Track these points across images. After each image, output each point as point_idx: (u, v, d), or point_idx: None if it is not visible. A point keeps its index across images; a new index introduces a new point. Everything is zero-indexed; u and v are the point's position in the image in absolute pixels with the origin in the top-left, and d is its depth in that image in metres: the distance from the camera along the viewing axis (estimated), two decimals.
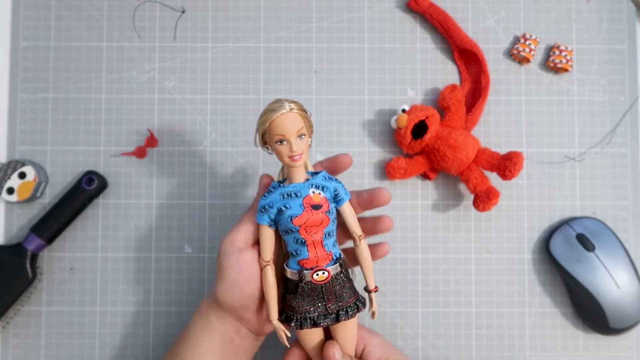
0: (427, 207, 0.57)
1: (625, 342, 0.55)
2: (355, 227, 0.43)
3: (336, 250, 0.43)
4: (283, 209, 0.41)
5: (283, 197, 0.41)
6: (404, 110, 0.54)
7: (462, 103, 0.55)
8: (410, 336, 0.56)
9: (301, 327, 0.42)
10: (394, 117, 0.54)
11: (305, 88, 0.57)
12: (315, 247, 0.41)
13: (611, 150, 0.57)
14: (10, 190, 0.54)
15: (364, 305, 0.44)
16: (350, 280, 0.44)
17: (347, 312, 0.43)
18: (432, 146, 0.53)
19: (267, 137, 0.41)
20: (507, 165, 0.51)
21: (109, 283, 0.56)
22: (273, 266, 0.43)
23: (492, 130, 0.57)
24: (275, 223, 0.42)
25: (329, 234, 0.42)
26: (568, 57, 0.56)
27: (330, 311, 0.42)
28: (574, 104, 0.57)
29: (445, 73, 0.58)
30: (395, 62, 0.58)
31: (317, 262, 0.42)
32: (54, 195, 0.56)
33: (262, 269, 0.43)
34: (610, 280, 0.52)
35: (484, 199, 0.52)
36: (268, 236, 0.42)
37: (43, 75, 0.57)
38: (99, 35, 0.58)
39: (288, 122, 0.40)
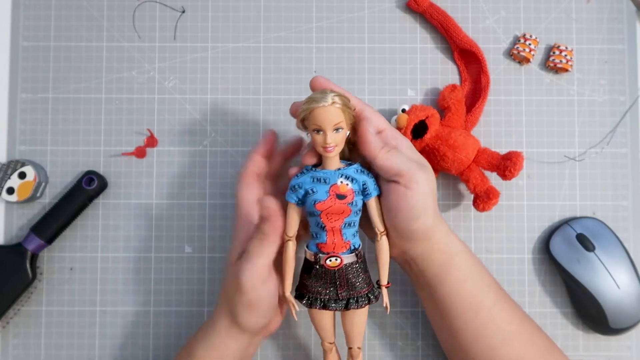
0: None
1: (625, 342, 0.55)
2: (378, 222, 0.44)
3: (355, 241, 0.44)
4: (310, 192, 0.43)
5: (312, 181, 0.43)
6: (404, 110, 0.54)
7: (462, 103, 0.55)
8: (410, 336, 0.56)
9: (311, 306, 0.45)
10: (394, 117, 0.54)
11: (306, 88, 0.57)
12: (334, 233, 0.43)
13: (611, 150, 0.57)
14: (10, 190, 0.54)
15: (376, 298, 0.45)
16: (366, 272, 0.45)
17: (357, 301, 0.44)
18: (432, 146, 0.53)
19: (306, 124, 0.43)
20: (507, 165, 0.51)
21: (109, 283, 0.56)
22: (295, 242, 0.45)
23: (492, 130, 0.57)
24: (302, 203, 0.44)
25: (349, 224, 0.43)
26: (568, 57, 0.56)
27: (341, 297, 0.44)
28: (574, 104, 0.57)
29: (445, 73, 0.58)
30: (395, 62, 0.58)
31: (333, 249, 0.43)
32: (54, 195, 0.56)
33: (284, 243, 0.45)
34: (610, 280, 0.52)
35: (484, 199, 0.52)
36: (294, 214, 0.44)
37: (43, 75, 0.57)
38: (99, 35, 0.58)
39: (326, 114, 0.41)
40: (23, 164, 0.54)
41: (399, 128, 0.54)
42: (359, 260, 0.44)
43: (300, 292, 0.46)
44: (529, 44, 0.56)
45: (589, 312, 0.53)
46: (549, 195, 0.57)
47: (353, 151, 0.47)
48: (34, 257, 0.54)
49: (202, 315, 0.56)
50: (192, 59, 0.58)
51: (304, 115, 0.42)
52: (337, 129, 0.41)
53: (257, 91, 0.57)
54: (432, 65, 0.58)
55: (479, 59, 0.56)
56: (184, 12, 0.58)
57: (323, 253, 0.44)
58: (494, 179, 0.55)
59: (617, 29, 0.58)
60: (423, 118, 0.53)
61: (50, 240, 0.54)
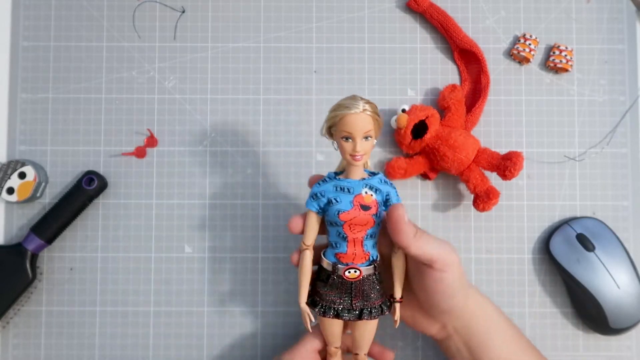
0: (427, 207, 0.57)
1: (625, 342, 0.55)
2: None
3: (374, 252, 0.43)
4: (333, 201, 0.42)
5: (336, 190, 0.42)
6: (404, 110, 0.54)
7: (462, 103, 0.55)
8: (410, 336, 0.56)
9: (324, 314, 0.44)
10: (394, 117, 0.54)
11: (305, 88, 0.57)
12: (355, 244, 0.42)
13: (611, 150, 0.57)
14: (10, 190, 0.54)
15: (388, 309, 0.44)
16: (381, 284, 0.44)
17: (370, 312, 0.43)
18: (432, 146, 0.53)
19: (333, 130, 0.41)
20: (507, 165, 0.51)
21: (109, 283, 0.56)
22: (312, 251, 0.44)
23: (492, 130, 0.57)
24: (323, 211, 0.43)
25: (370, 235, 0.43)
26: (568, 57, 0.56)
27: (355, 308, 0.43)
28: (574, 104, 0.57)
29: (445, 73, 0.58)
30: (395, 62, 0.58)
31: (353, 259, 0.43)
32: (54, 195, 0.56)
33: (300, 252, 0.44)
34: (610, 280, 0.52)
35: (484, 199, 0.52)
36: (313, 222, 0.43)
37: (43, 75, 0.57)
38: (99, 35, 0.58)
39: (358, 122, 0.40)
40: (23, 164, 0.54)
41: (399, 128, 0.54)
42: (376, 272, 0.43)
43: (313, 300, 0.45)
44: (529, 44, 0.56)
45: (589, 312, 0.53)
46: (549, 195, 0.57)
47: None
48: (34, 257, 0.54)
49: (202, 315, 0.56)
50: (192, 59, 0.58)
51: (332, 122, 0.41)
52: (366, 137, 0.41)
53: (257, 91, 0.57)
54: (432, 65, 0.58)
55: (479, 59, 0.56)
56: (184, 12, 0.58)
57: (342, 264, 0.43)
58: (494, 179, 0.55)
59: (617, 29, 0.58)
60: (423, 118, 0.53)
61: (50, 240, 0.54)
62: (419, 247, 0.41)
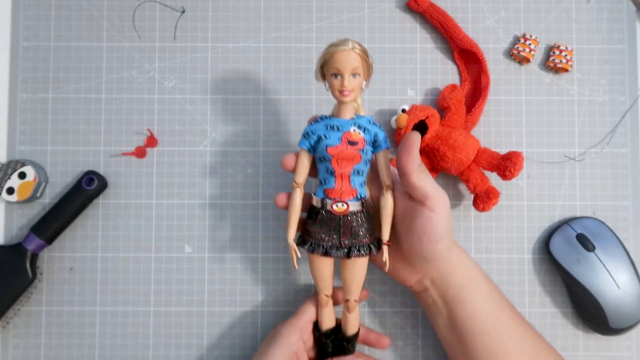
0: None
1: (625, 342, 0.55)
2: (385, 176, 0.45)
3: (363, 191, 0.45)
4: (323, 137, 0.44)
5: (326, 128, 0.44)
6: (404, 110, 0.54)
7: (462, 103, 0.55)
8: (410, 336, 0.56)
9: (312, 251, 0.45)
10: (394, 117, 0.55)
11: (305, 88, 0.57)
12: (342, 179, 0.44)
13: (611, 150, 0.57)
14: (10, 190, 0.54)
15: (377, 249, 0.46)
16: (370, 223, 0.45)
17: (359, 250, 0.45)
18: (432, 146, 0.53)
19: (325, 70, 0.44)
20: (507, 165, 0.51)
21: (109, 283, 0.56)
22: (302, 189, 0.46)
23: (492, 130, 0.57)
24: (313, 150, 0.45)
25: (358, 172, 0.44)
26: (568, 57, 0.56)
27: (343, 245, 0.45)
28: (574, 104, 0.57)
29: (445, 73, 0.58)
30: (395, 62, 0.58)
31: (340, 195, 0.44)
32: (54, 195, 0.56)
33: (292, 190, 0.46)
34: (610, 280, 0.52)
35: (484, 199, 0.52)
36: (305, 160, 0.46)
37: (43, 75, 0.57)
38: (99, 35, 0.58)
39: (346, 58, 0.42)
40: (23, 164, 0.54)
41: (399, 128, 0.54)
42: (364, 210, 0.45)
43: (304, 239, 0.46)
44: (529, 44, 0.56)
45: (589, 312, 0.53)
46: (549, 195, 0.57)
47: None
48: (34, 257, 0.54)
49: (202, 315, 0.56)
50: (192, 59, 0.58)
51: (324, 60, 0.43)
52: (354, 75, 0.42)
53: (257, 91, 0.57)
54: (432, 65, 0.58)
55: (479, 59, 0.56)
56: (184, 12, 0.58)
57: (330, 199, 0.44)
58: (494, 179, 0.55)
59: (617, 29, 0.58)
60: (423, 118, 0.53)
61: (50, 240, 0.54)
62: (420, 178, 0.43)
